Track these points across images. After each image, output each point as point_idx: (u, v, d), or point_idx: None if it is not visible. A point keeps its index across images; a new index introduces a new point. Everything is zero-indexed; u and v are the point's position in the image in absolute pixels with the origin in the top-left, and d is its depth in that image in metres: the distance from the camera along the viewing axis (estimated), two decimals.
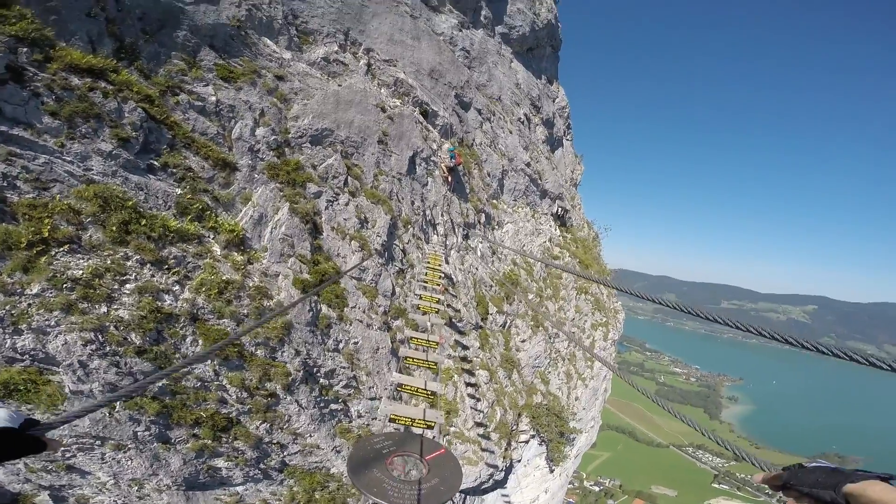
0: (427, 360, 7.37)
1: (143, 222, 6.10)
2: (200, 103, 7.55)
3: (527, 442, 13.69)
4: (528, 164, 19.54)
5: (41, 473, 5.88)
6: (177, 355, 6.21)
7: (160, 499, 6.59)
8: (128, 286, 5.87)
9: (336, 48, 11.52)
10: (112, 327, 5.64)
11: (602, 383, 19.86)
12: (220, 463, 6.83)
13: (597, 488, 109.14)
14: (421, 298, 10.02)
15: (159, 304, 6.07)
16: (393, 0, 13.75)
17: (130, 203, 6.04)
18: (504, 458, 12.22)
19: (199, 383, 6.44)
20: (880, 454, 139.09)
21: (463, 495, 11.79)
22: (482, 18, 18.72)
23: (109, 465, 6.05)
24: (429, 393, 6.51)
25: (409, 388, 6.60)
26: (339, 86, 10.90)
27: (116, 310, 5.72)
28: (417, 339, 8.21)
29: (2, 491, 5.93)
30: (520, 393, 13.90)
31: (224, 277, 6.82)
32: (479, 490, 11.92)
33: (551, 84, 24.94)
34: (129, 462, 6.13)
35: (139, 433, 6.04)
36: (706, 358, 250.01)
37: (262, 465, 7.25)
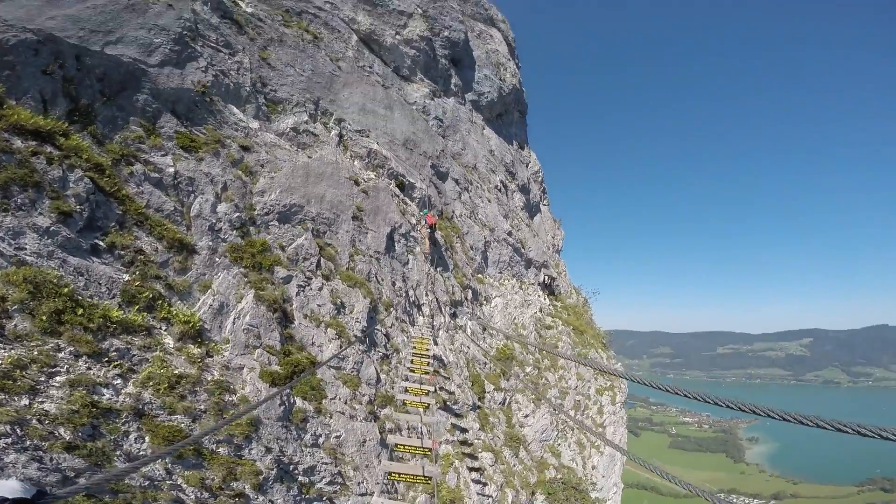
0: (415, 475, 6.15)
1: (80, 312, 5.35)
2: (157, 175, 7.08)
3: None
4: (509, 234, 19.23)
5: None
6: (118, 452, 5.20)
7: None
8: (57, 378, 5.02)
9: (306, 118, 11.32)
10: (35, 420, 4.70)
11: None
12: None
13: None
14: (407, 391, 9.06)
15: (96, 397, 5.17)
16: (364, 70, 13.92)
17: (66, 290, 5.33)
18: None
19: (147, 482, 5.36)
20: None
21: None
22: (453, 87, 19.19)
23: None
24: None
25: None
26: (310, 157, 10.62)
27: (41, 403, 4.81)
28: (405, 445, 6.96)
29: None
30: (530, 470, 12.58)
31: (177, 371, 6.00)
32: None
33: (522, 149, 25.45)
34: None
35: None
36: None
37: None
